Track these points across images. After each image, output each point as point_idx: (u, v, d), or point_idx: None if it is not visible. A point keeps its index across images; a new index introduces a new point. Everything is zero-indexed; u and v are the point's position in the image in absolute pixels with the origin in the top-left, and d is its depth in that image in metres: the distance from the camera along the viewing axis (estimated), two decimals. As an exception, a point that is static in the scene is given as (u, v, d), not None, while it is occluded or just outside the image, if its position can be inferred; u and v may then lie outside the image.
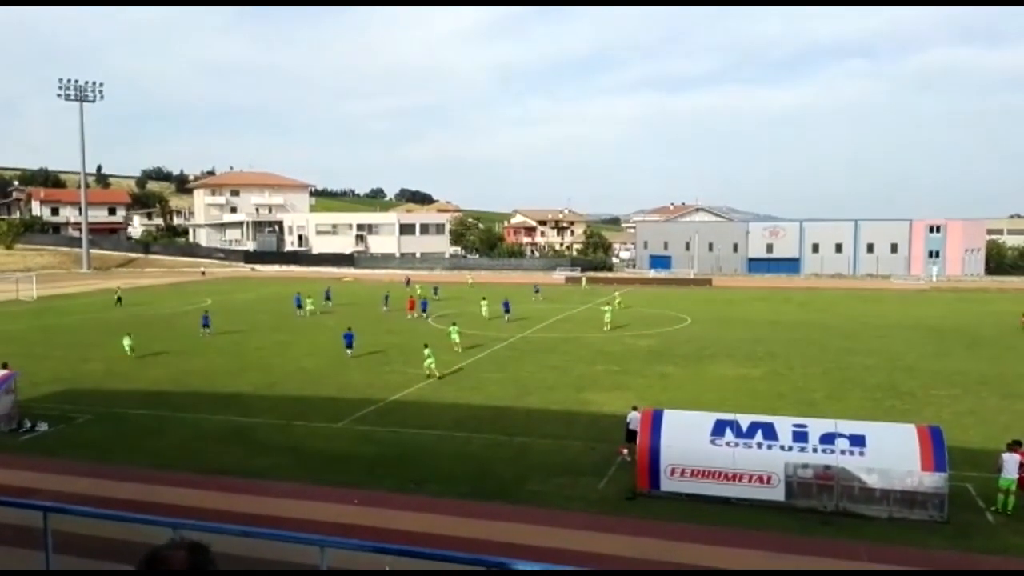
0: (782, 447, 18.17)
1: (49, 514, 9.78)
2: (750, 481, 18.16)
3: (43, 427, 25.21)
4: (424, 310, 52.42)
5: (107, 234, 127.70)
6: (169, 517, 10.68)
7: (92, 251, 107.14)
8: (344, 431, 24.97)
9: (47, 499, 12.17)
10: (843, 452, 17.77)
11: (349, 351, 37.48)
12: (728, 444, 18.49)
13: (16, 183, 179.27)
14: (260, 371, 34.39)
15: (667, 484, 18.74)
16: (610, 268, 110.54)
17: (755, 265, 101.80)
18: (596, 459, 21.71)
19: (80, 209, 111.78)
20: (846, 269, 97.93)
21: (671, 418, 19.68)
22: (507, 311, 51.11)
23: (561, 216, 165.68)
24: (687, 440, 18.98)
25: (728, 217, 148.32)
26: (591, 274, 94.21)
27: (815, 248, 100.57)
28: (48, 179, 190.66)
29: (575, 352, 38.99)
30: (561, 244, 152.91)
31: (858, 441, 17.89)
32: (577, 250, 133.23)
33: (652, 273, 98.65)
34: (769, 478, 18.05)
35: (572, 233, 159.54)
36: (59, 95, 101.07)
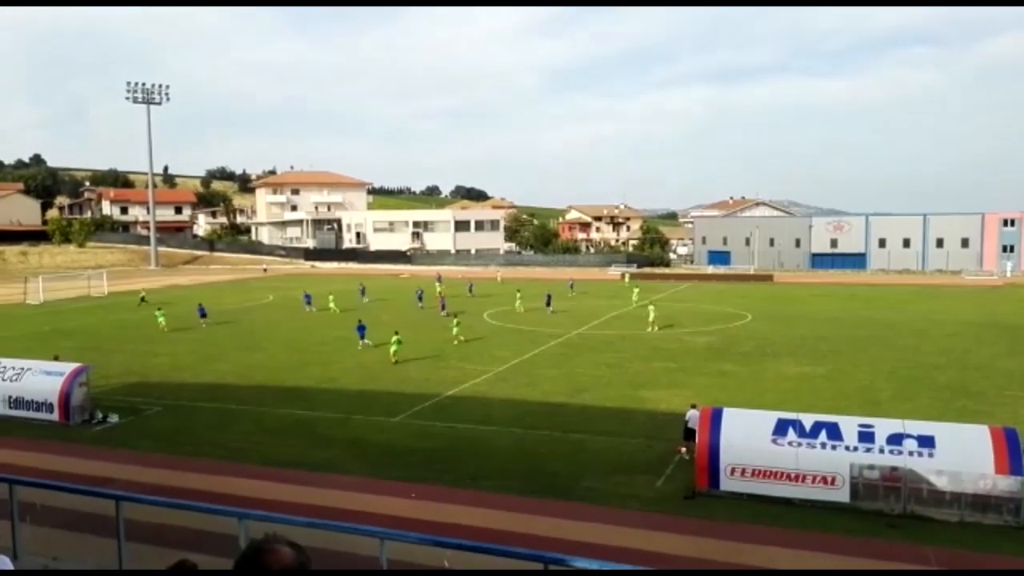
0: (847, 447, 17.74)
1: (121, 503, 10.16)
2: (813, 482, 17.77)
3: (114, 418, 26.08)
4: (443, 308, 51.99)
5: (174, 232, 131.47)
6: (236, 507, 10.99)
7: (160, 249, 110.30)
8: (401, 425, 25.24)
9: (119, 488, 12.60)
10: (911, 453, 17.26)
11: (363, 341, 39.25)
12: (791, 444, 18.12)
13: (88, 184, 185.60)
14: (320, 366, 34.97)
15: (727, 484, 18.46)
16: (667, 264, 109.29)
17: (818, 260, 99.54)
18: (653, 457, 21.51)
19: (148, 208, 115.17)
20: (914, 265, 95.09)
21: (731, 417, 19.39)
22: (548, 305, 52.80)
23: (617, 212, 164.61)
24: (748, 439, 18.67)
25: (790, 211, 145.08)
26: (647, 270, 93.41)
27: (882, 243, 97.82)
28: (118, 179, 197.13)
29: (631, 349, 38.69)
30: (617, 240, 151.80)
31: (927, 442, 17.35)
32: (633, 246, 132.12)
33: (711, 269, 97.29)
34: (833, 479, 17.64)
35: (628, 229, 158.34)
36: (127, 98, 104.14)
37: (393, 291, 68.65)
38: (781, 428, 18.47)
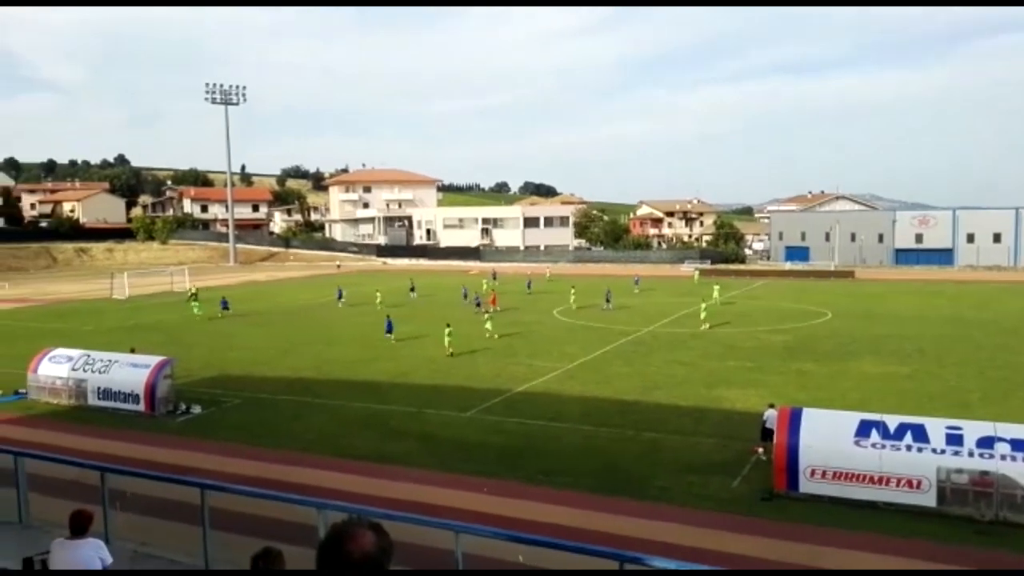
0: (934, 450, 17.04)
1: (206, 491, 10.45)
2: (898, 485, 17.13)
3: (197, 410, 26.93)
4: (478, 305, 51.37)
5: (251, 229, 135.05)
6: (314, 497, 11.18)
7: (238, 246, 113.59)
8: (472, 420, 25.35)
9: (202, 477, 12.97)
10: (1003, 457, 16.46)
11: (389, 335, 40.22)
12: (874, 446, 17.51)
13: (169, 183, 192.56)
14: (391, 361, 35.41)
15: (806, 486, 17.95)
16: (742, 260, 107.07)
17: (903, 256, 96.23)
18: (729, 457, 21.08)
19: (227, 206, 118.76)
20: (1005, 260, 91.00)
21: (811, 417, 18.84)
22: (608, 302, 52.76)
23: (690, 206, 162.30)
24: (829, 440, 18.12)
25: (872, 205, 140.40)
26: (721, 266, 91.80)
27: (970, 238, 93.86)
28: (198, 178, 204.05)
29: (705, 347, 38.03)
30: (690, 235, 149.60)
31: (1021, 446, 16.53)
32: (707, 241, 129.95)
33: (788, 265, 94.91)
34: (919, 483, 16.96)
35: (701, 224, 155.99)
36: (206, 98, 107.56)
37: (448, 288, 68.78)
38: (864, 429, 17.86)
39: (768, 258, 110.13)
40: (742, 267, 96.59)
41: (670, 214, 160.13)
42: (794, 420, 18.63)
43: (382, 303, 53.83)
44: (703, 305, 45.83)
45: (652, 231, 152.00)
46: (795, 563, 14.78)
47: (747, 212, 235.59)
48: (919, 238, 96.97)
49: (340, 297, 57.84)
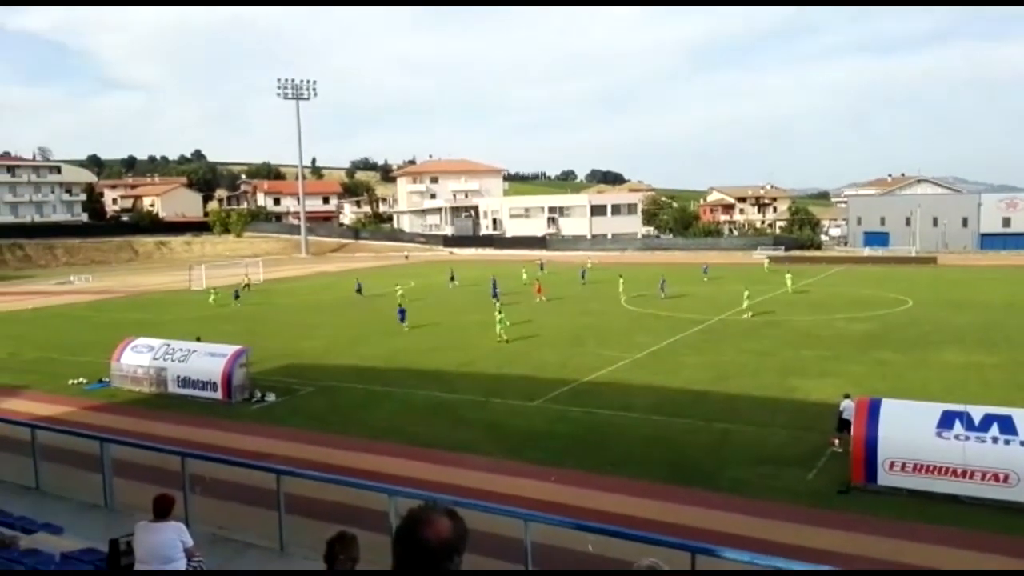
0: (1022, 443, 16.29)
1: (281, 476, 10.69)
2: (983, 479, 16.43)
3: (271, 398, 27.61)
4: (495, 295, 50.10)
5: (322, 221, 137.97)
6: (386, 484, 11.32)
7: (309, 238, 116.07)
8: (539, 410, 25.32)
9: (277, 463, 13.28)
10: (1099, 451, 15.64)
11: (402, 325, 41.20)
12: (957, 438, 16.81)
13: (243, 177, 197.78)
14: (458, 350, 35.65)
15: (885, 478, 17.38)
16: (818, 246, 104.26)
17: (988, 241, 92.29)
18: (804, 449, 20.56)
19: (298, 199, 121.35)
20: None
21: (890, 408, 18.22)
22: (662, 290, 51.98)
23: (762, 192, 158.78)
24: (909, 432, 17.50)
25: (955, 188, 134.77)
26: (795, 253, 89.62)
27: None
28: (270, 172, 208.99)
29: (779, 336, 37.17)
30: (762, 222, 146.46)
31: (1117, 439, 15.67)
32: (781, 228, 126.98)
33: (867, 251, 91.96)
34: (1006, 476, 16.23)
35: (775, 210, 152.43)
36: (278, 94, 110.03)
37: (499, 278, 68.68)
38: (947, 420, 17.18)
39: (845, 244, 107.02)
40: (818, 253, 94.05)
41: (742, 200, 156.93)
42: (873, 411, 18.05)
43: (402, 295, 50.64)
44: (745, 293, 44.71)
45: (723, 218, 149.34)
46: (874, 558, 14.33)
47: (823, 197, 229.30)
48: (1006, 222, 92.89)
49: (359, 291, 57.76)
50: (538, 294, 52.09)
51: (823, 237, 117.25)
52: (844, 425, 19.88)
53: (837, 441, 19.90)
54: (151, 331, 35.74)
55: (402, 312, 42.23)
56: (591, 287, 59.74)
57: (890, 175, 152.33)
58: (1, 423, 16.27)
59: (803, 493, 17.71)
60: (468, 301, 52.33)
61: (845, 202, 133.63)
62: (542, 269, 73.03)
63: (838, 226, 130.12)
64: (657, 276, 56.77)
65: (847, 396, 20.76)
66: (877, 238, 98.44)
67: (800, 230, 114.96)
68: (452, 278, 63.99)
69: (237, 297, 55.25)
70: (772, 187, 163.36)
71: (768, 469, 19.21)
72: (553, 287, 56.68)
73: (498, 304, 43.47)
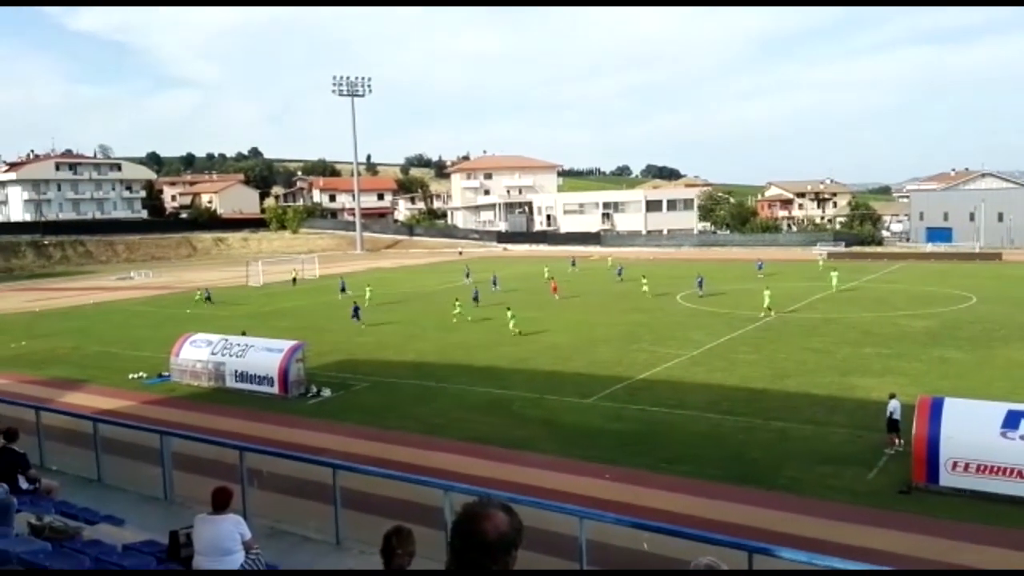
0: (1092, 444, 15.64)
1: (337, 471, 10.80)
2: (1052, 481, 15.83)
3: (327, 393, 28.01)
4: (475, 299, 48.54)
5: (377, 218, 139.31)
6: (441, 480, 11.36)
7: (364, 234, 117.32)
8: (594, 407, 25.21)
9: (332, 458, 13.44)
10: None
11: (357, 322, 41.48)
12: (1022, 438, 16.25)
13: (299, 173, 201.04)
14: (512, 346, 35.67)
15: (947, 479, 16.90)
16: (879, 242, 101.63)
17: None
18: (864, 448, 20.09)
19: (353, 196, 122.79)
20: None
21: (953, 407, 17.69)
22: (700, 287, 50.75)
23: (822, 187, 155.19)
24: (973, 432, 16.99)
25: (1022, 183, 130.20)
26: (855, 248, 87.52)
27: None
28: (326, 169, 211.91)
29: (839, 333, 36.34)
30: (822, 217, 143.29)
31: None
32: (841, 223, 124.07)
33: (929, 247, 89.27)
34: (1077, 479, 15.61)
35: (835, 205, 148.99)
36: (333, 91, 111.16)
37: (531, 276, 68.39)
38: (1012, 420, 16.64)
39: (907, 240, 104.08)
40: (879, 249, 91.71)
41: (801, 195, 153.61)
42: (935, 410, 17.54)
43: (371, 298, 50.64)
44: (766, 293, 42.86)
45: (781, 213, 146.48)
46: (936, 559, 13.92)
47: (884, 192, 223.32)
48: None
49: (343, 290, 56.43)
50: (554, 292, 51.52)
51: (884, 233, 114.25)
52: (893, 425, 19.45)
53: (900, 440, 19.36)
54: (209, 326, 36.57)
55: (356, 310, 42.55)
56: (627, 284, 58.41)
57: (953, 169, 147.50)
58: (64, 416, 16.77)
59: (863, 493, 17.33)
60: (518, 298, 52.21)
61: (907, 197, 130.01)
62: (573, 265, 72.69)
63: (899, 221, 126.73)
64: (695, 273, 55.12)
65: (892, 396, 20.23)
66: (940, 234, 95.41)
67: (861, 226, 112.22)
68: (467, 275, 63.01)
69: (208, 299, 55.67)
70: (832, 182, 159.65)
71: (827, 468, 18.83)
72: (587, 284, 56.14)
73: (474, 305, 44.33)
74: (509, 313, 38.75)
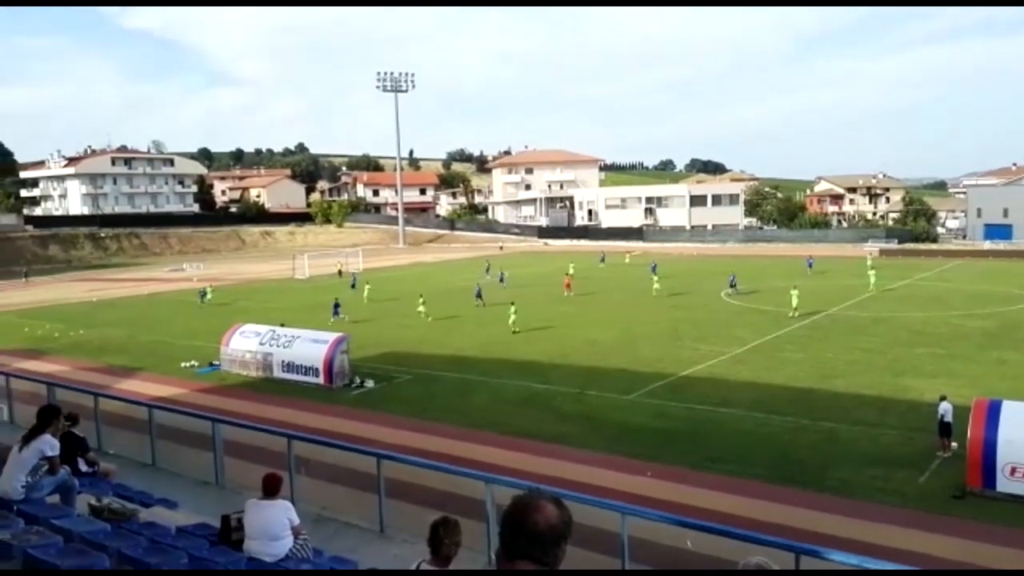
0: None
1: (381, 460, 10.89)
2: (1116, 489, 15.29)
3: (370, 384, 28.30)
4: (479, 296, 47.71)
5: (419, 212, 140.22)
6: (482, 472, 11.38)
7: (406, 228, 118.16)
8: (635, 403, 25.03)
9: (375, 448, 13.55)
10: None
11: (337, 317, 41.43)
12: (1088, 444, 15.73)
13: (344, 168, 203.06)
14: (550, 341, 35.58)
15: (1005, 484, 16.40)
16: (934, 239, 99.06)
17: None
18: (915, 451, 19.63)
19: (396, 190, 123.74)
20: None
21: (1012, 410, 17.15)
22: (732, 286, 49.57)
23: (874, 182, 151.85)
24: (1032, 436, 16.43)
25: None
26: (909, 246, 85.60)
27: None
28: (370, 164, 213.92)
29: (890, 333, 35.55)
30: (874, 213, 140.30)
31: None
32: (893, 219, 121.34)
33: (987, 244, 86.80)
34: None
35: (887, 200, 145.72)
36: (377, 87, 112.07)
37: (546, 275, 68.01)
38: (1074, 425, 16.08)
39: (963, 237, 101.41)
40: (933, 247, 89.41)
41: (852, 190, 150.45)
42: (992, 413, 17.04)
43: (369, 296, 50.91)
44: (794, 293, 40.93)
45: (831, 208, 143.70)
46: (989, 567, 13.53)
47: (939, 187, 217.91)
48: None
49: (353, 286, 56.97)
50: (567, 289, 50.94)
51: (939, 229, 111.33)
52: (945, 428, 18.95)
53: (954, 444, 18.86)
54: (258, 318, 37.14)
55: (336, 306, 42.70)
56: (665, 281, 56.11)
57: (1015, 163, 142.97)
58: (121, 402, 17.21)
59: (915, 496, 16.95)
60: (525, 294, 52.09)
61: (964, 192, 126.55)
62: (602, 261, 72.28)
63: (956, 218, 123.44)
64: (728, 271, 53.96)
65: (943, 398, 19.71)
66: (999, 231, 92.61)
67: (914, 222, 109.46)
68: (487, 270, 62.26)
69: (354, 287, 55.70)
70: (885, 176, 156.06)
71: (877, 470, 18.45)
72: (608, 282, 55.57)
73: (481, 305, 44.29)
74: (512, 308, 38.48)
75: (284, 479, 8.46)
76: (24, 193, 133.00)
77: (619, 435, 21.83)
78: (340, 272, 68.47)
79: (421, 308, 42.23)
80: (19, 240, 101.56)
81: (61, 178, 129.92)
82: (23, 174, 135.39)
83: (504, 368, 30.35)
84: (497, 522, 8.83)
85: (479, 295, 47.96)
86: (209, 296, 53.48)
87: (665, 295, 49.15)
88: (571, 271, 58.67)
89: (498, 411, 24.54)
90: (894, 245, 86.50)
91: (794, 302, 40.33)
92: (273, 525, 7.67)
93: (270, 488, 7.90)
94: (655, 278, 51.53)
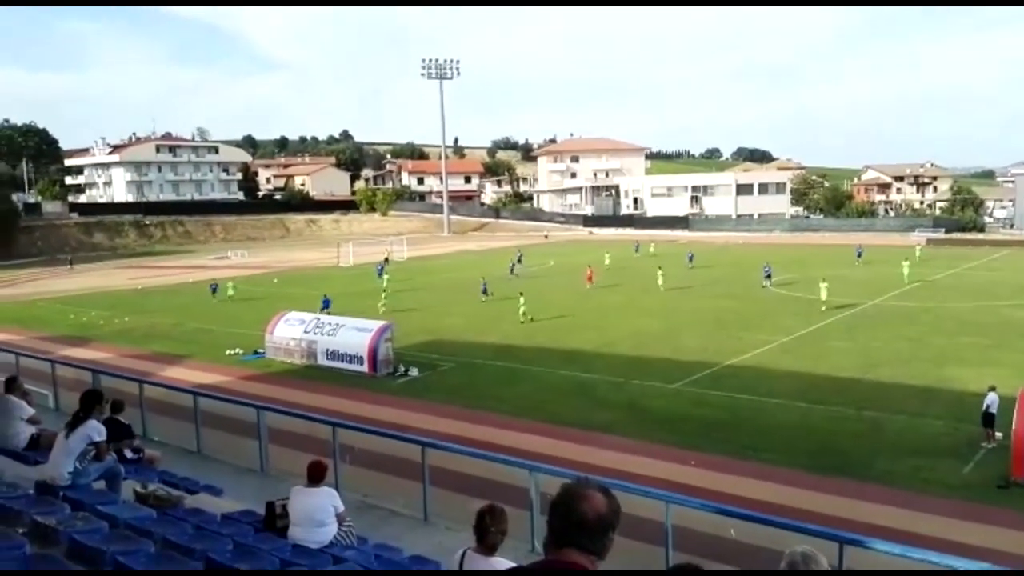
0: None
1: (426, 448, 11.06)
2: None
3: (414, 372, 28.59)
4: (484, 292, 46.18)
5: (463, 201, 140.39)
6: (525, 460, 11.51)
7: (451, 217, 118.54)
8: (679, 392, 24.98)
9: (419, 435, 13.74)
10: None
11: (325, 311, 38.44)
12: None
13: (389, 156, 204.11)
14: (596, 330, 35.59)
15: (1052, 476, 16.10)
16: (982, 229, 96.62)
17: None
18: (960, 441, 19.36)
19: (441, 179, 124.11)
20: None
21: (1060, 401, 16.79)
22: (767, 277, 48.03)
23: (921, 171, 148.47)
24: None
25: None
26: (956, 235, 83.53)
27: None
28: (414, 152, 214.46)
29: (935, 322, 34.91)
30: (921, 202, 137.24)
31: None
32: (941, 208, 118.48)
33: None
34: None
35: (935, 190, 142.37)
36: (422, 74, 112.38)
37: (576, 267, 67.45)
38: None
39: (1012, 226, 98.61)
40: (981, 236, 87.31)
41: (899, 179, 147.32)
42: (1040, 404, 16.71)
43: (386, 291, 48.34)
44: (823, 286, 39.52)
45: (878, 197, 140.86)
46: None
47: (988, 176, 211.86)
48: None
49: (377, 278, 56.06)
50: (588, 282, 49.75)
51: (987, 219, 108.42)
52: (989, 419, 18.63)
53: (999, 434, 18.53)
54: (302, 305, 37.67)
55: (326, 302, 40.02)
56: (699, 272, 56.21)
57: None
58: (166, 389, 17.55)
59: (958, 487, 16.78)
60: (534, 284, 51.67)
61: (1012, 181, 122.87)
62: (637, 251, 71.70)
63: (1004, 207, 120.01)
64: (769, 260, 51.97)
65: (992, 388, 19.32)
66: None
67: (962, 211, 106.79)
68: (520, 260, 60.70)
69: (381, 274, 55.20)
70: (932, 165, 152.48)
71: (921, 461, 18.25)
72: (637, 274, 55.04)
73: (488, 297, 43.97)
74: (521, 299, 38.45)
75: (328, 466, 8.61)
76: (69, 180, 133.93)
77: (662, 424, 21.84)
78: (387, 259, 68.52)
79: (522, 308, 38.31)
80: (64, 228, 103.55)
81: (106, 165, 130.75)
82: (68, 162, 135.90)
83: (548, 357, 30.44)
84: (540, 510, 8.99)
85: (484, 290, 46.05)
86: (231, 292, 49.84)
87: (664, 290, 46.80)
88: (607, 261, 58.19)
89: (541, 400, 24.66)
90: (941, 234, 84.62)
91: (823, 295, 39.23)
92: (317, 512, 7.79)
93: (315, 475, 8.01)
94: (660, 273, 48.49)
